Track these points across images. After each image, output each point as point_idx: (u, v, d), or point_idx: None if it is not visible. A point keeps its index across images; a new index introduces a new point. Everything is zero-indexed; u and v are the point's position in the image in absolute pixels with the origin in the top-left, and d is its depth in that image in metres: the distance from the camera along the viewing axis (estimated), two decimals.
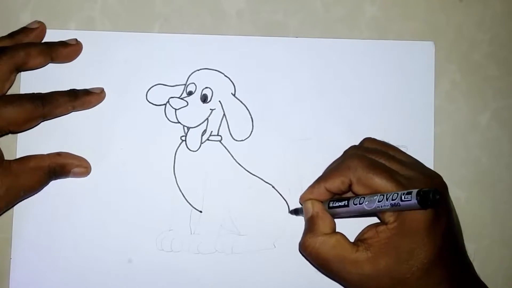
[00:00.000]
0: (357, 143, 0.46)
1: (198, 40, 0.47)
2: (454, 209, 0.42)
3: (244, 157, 0.47)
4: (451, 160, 0.48)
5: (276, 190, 0.47)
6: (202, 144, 0.47)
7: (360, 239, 0.40)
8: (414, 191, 0.36)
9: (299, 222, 0.45)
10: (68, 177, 0.45)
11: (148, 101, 0.47)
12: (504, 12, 0.49)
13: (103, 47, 0.47)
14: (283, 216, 0.46)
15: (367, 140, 0.44)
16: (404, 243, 0.38)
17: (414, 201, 0.36)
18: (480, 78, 0.49)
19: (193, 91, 0.47)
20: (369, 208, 0.39)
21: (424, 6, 0.49)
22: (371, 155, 0.41)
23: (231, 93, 0.47)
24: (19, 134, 0.46)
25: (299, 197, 0.44)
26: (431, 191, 0.36)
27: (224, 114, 0.47)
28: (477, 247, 0.47)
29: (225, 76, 0.47)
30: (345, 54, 0.48)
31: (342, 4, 0.48)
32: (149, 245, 0.46)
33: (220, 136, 0.47)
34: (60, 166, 0.45)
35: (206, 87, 0.47)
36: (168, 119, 0.47)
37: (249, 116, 0.47)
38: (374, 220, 0.42)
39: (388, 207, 0.38)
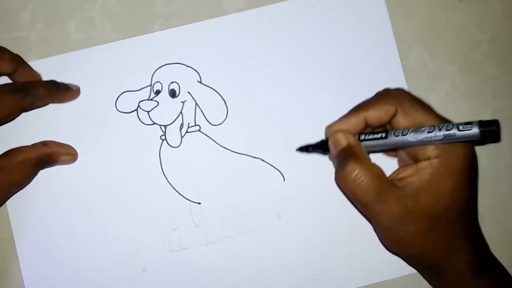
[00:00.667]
0: (334, 100, 0.47)
1: (150, 39, 0.48)
2: None
3: (226, 139, 0.47)
4: None
5: (266, 162, 0.47)
6: (183, 138, 0.47)
7: (397, 178, 0.40)
8: (475, 121, 0.36)
9: (298, 188, 0.46)
10: (55, 165, 0.45)
11: (119, 111, 0.47)
12: (504, 12, 0.49)
13: (60, 71, 0.47)
14: (280, 185, 0.46)
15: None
16: (447, 180, 0.38)
17: (475, 130, 0.35)
18: (480, 78, 0.49)
19: (160, 89, 0.47)
20: (413, 140, 0.38)
21: (424, 6, 0.49)
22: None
23: (198, 81, 0.47)
24: None
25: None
26: (495, 122, 0.35)
27: (196, 103, 0.47)
28: None
29: (187, 66, 0.47)
30: (298, 16, 0.48)
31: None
32: (159, 249, 0.46)
33: (198, 125, 0.47)
34: (47, 156, 0.44)
35: (172, 82, 0.47)
36: (143, 123, 0.47)
37: (221, 99, 0.47)
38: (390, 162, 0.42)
39: (440, 137, 0.37)
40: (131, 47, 0.47)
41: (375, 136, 0.40)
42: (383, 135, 0.39)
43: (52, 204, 0.46)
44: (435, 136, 0.37)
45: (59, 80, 0.46)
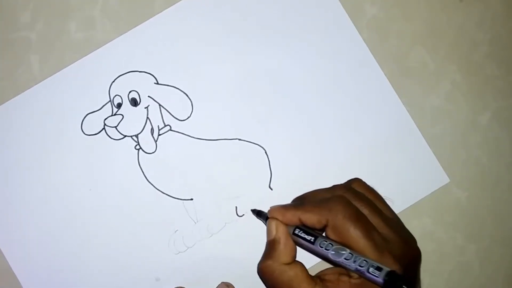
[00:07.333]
0: (292, 61, 0.47)
1: (96, 57, 0.47)
2: (420, 281, 0.41)
3: (199, 130, 0.47)
4: (451, 160, 0.48)
5: (243, 140, 0.47)
6: (157, 142, 0.47)
7: (321, 277, 0.40)
8: (385, 270, 0.36)
9: (282, 157, 0.46)
10: None
11: (86, 134, 0.47)
12: (504, 12, 0.49)
13: (17, 114, 0.47)
14: (263, 161, 0.47)
15: (356, 181, 0.43)
16: None
17: (380, 280, 0.35)
18: (480, 78, 0.49)
19: (121, 101, 0.47)
20: (333, 259, 0.38)
21: (424, 6, 0.49)
22: (357, 202, 0.40)
23: (154, 83, 0.47)
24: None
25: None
26: (400, 278, 0.35)
27: (159, 105, 0.47)
28: (477, 247, 0.47)
29: (140, 72, 0.47)
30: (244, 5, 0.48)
31: (342, 5, 0.48)
32: (165, 255, 0.46)
33: (168, 125, 0.47)
34: None
35: (131, 91, 0.47)
36: (114, 139, 0.47)
37: (183, 93, 0.47)
38: None
39: (353, 268, 0.37)
40: (80, 70, 0.47)
41: (305, 237, 0.40)
42: (312, 239, 0.40)
43: (48, 235, 0.46)
44: (349, 265, 0.37)
45: (16, 125, 0.46)
